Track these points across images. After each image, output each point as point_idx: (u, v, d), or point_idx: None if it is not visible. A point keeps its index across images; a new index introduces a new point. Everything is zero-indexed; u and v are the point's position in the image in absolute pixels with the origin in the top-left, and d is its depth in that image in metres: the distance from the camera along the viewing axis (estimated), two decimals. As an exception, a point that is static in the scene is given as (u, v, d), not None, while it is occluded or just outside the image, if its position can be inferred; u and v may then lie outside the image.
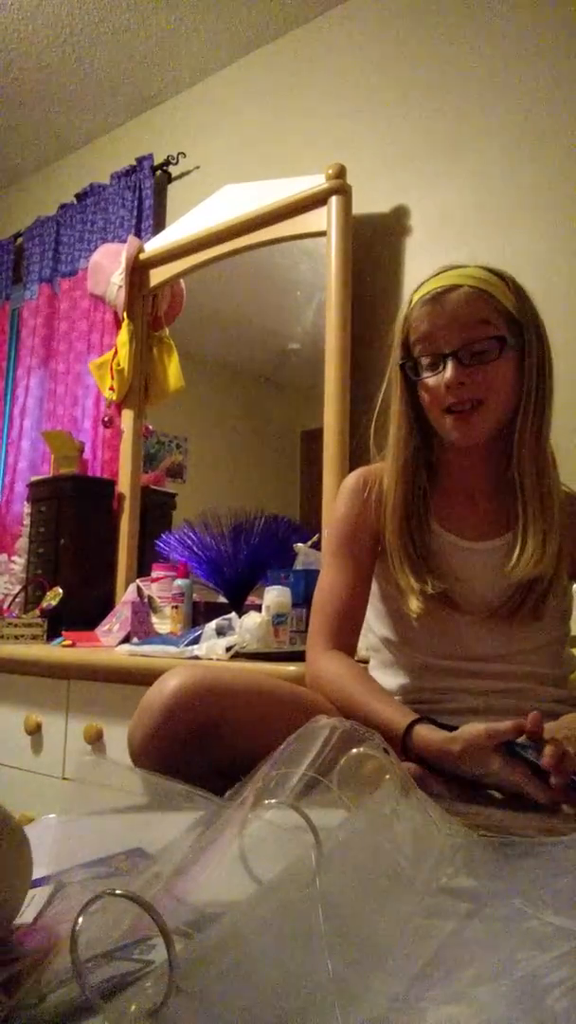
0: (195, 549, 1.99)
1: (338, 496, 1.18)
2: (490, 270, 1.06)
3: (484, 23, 1.99)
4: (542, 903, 0.47)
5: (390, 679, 1.13)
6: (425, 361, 1.05)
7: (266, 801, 0.41)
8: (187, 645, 1.59)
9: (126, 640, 1.88)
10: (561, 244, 1.81)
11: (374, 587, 1.16)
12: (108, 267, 2.47)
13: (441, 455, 1.13)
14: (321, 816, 0.46)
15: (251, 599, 1.97)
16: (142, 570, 2.31)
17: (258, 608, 1.84)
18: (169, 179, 2.72)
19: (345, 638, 1.11)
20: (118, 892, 0.30)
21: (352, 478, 1.18)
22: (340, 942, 0.37)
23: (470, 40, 2.01)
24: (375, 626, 1.17)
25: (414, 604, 1.04)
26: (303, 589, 1.61)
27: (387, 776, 0.57)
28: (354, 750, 0.58)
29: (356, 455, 1.89)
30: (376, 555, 1.14)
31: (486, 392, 1.02)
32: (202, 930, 0.33)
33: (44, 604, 2.20)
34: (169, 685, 0.93)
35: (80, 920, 0.28)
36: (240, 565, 1.94)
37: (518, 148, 1.90)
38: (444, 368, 1.02)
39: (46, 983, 0.29)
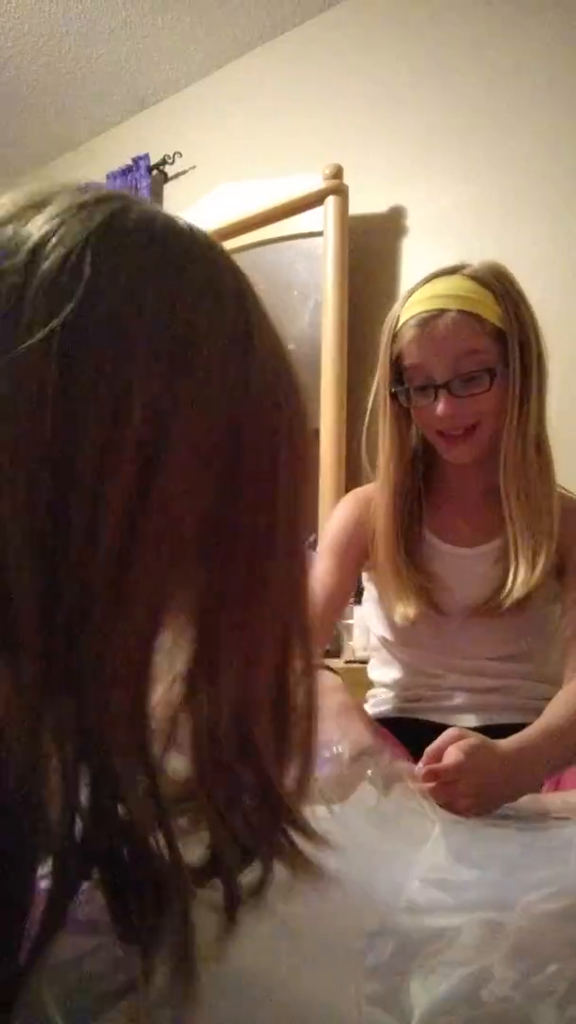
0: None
1: (337, 508, 1.20)
2: (476, 278, 1.01)
3: (480, 24, 1.98)
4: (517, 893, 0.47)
5: (388, 676, 1.16)
6: (415, 384, 1.03)
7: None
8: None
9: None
10: (558, 244, 1.80)
11: (372, 590, 1.17)
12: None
13: (437, 462, 1.12)
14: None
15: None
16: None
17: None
18: (165, 179, 2.71)
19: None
20: None
21: (350, 498, 1.19)
22: (312, 956, 0.37)
23: (467, 41, 2.00)
24: (373, 626, 1.19)
25: (401, 615, 1.05)
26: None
27: (368, 771, 0.57)
28: (335, 749, 0.58)
29: (353, 456, 1.88)
30: (361, 566, 1.16)
31: (478, 417, 1.02)
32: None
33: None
34: None
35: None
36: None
37: (515, 148, 1.89)
38: (436, 397, 1.00)
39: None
